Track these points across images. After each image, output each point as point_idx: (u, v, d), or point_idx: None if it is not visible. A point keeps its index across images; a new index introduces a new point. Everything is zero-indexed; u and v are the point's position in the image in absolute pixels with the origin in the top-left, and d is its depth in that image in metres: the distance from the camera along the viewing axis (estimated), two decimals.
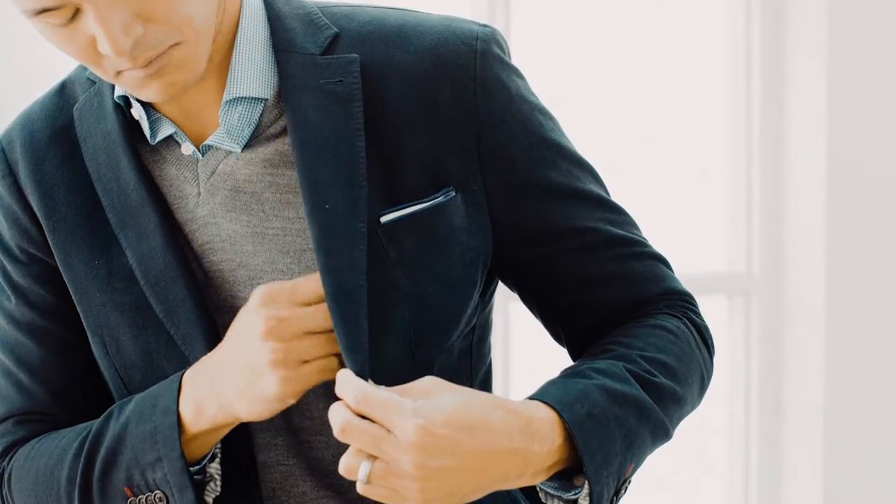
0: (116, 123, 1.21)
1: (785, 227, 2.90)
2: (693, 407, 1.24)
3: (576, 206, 1.22)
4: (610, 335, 1.22)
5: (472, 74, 1.18)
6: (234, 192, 1.19)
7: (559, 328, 1.27)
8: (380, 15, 1.21)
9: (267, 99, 1.18)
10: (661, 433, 1.17)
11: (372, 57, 1.18)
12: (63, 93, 1.26)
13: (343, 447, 1.11)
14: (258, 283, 1.18)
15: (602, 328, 1.24)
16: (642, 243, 1.25)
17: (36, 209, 1.24)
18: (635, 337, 1.20)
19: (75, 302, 1.24)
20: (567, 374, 1.16)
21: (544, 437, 1.08)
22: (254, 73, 1.18)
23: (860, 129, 2.81)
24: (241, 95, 1.17)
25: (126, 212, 1.20)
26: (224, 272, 1.19)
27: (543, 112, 1.23)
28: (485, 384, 1.29)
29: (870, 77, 2.81)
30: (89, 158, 1.22)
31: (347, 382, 1.08)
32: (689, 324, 1.24)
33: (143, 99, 1.15)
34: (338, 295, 1.12)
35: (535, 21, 2.78)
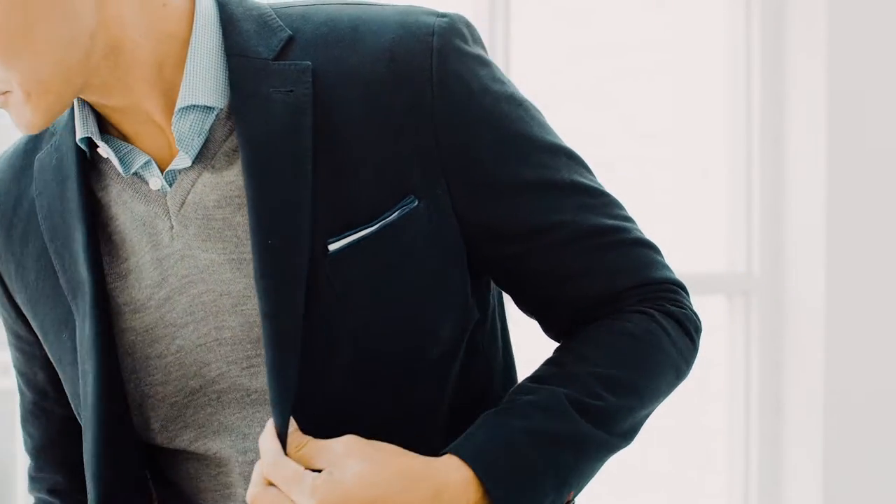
0: (76, 185, 1.16)
1: (785, 227, 2.90)
2: (661, 402, 1.21)
3: (547, 198, 1.16)
4: (573, 339, 1.19)
5: (428, 75, 1.11)
6: (207, 221, 1.14)
7: (535, 318, 1.25)
8: (335, 14, 1.14)
9: (221, 109, 1.13)
10: (611, 451, 1.15)
11: (326, 62, 1.11)
12: (26, 148, 1.23)
13: None
14: (242, 310, 1.15)
15: (576, 322, 1.20)
16: (621, 228, 1.18)
17: (11, 280, 1.22)
18: (595, 346, 1.17)
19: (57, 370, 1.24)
20: (503, 409, 1.13)
21: (457, 501, 1.07)
22: (207, 81, 1.12)
23: (860, 129, 2.81)
24: (193, 103, 1.12)
25: (72, 284, 1.17)
26: (206, 304, 1.15)
27: (511, 100, 1.16)
28: (507, 373, 1.27)
29: (870, 77, 2.81)
30: (43, 216, 1.18)
31: (264, 444, 1.09)
32: (663, 317, 1.19)
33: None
34: (271, 342, 1.10)
35: (534, 21, 2.78)
